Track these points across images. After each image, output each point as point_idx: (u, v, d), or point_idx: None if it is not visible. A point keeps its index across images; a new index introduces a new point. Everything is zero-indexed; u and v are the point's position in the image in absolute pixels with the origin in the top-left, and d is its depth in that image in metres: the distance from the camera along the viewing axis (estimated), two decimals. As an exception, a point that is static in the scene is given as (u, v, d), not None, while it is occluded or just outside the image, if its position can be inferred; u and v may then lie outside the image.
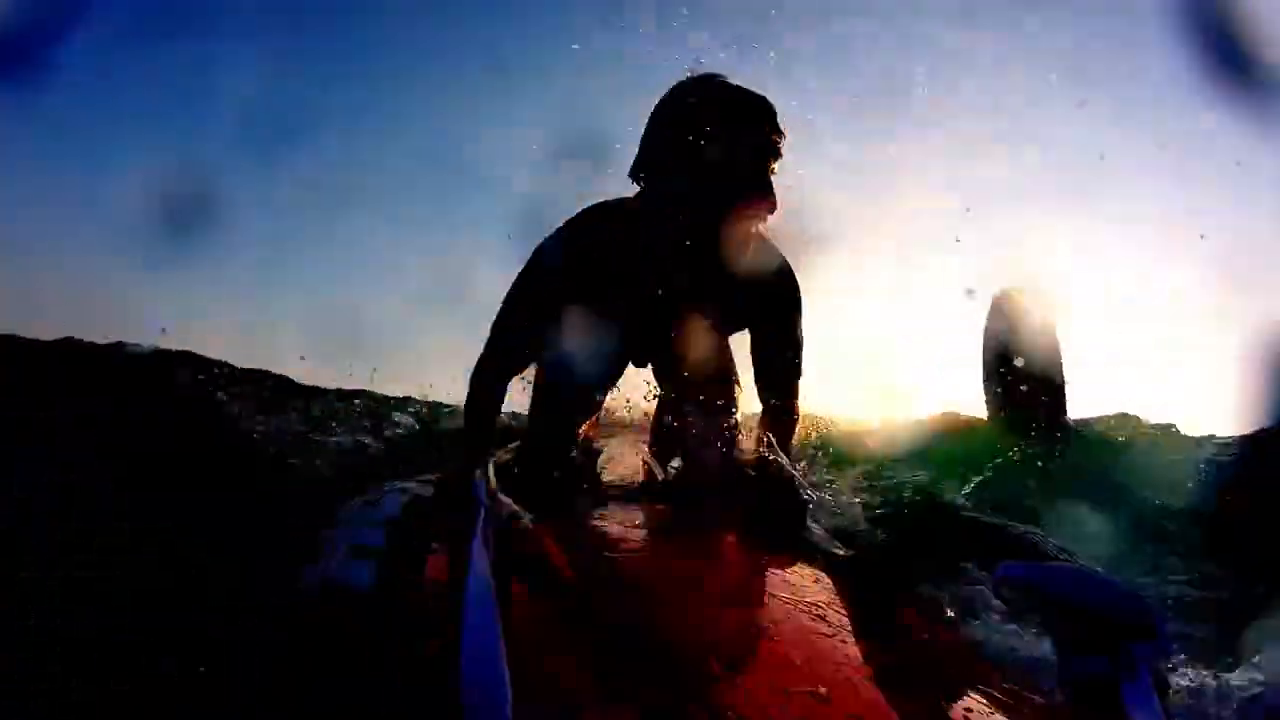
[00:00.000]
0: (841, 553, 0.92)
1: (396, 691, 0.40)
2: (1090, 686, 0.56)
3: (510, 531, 0.63)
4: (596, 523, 1.07)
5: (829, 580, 0.82)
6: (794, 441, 1.36)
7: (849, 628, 0.69)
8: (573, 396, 1.43)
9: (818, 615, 0.71)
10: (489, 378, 1.27)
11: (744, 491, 1.08)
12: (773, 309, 1.30)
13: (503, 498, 0.60)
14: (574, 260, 1.23)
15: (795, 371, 1.34)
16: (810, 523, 1.06)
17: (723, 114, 1.13)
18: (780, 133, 1.15)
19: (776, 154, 1.14)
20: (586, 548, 0.93)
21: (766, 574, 0.87)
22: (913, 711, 0.59)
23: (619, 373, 1.49)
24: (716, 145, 1.12)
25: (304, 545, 0.49)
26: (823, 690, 0.57)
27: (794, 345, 1.32)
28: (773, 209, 1.16)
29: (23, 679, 0.89)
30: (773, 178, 1.14)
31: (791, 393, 1.35)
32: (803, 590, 0.80)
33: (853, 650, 0.65)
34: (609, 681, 0.57)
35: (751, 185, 1.13)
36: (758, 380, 1.35)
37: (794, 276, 1.31)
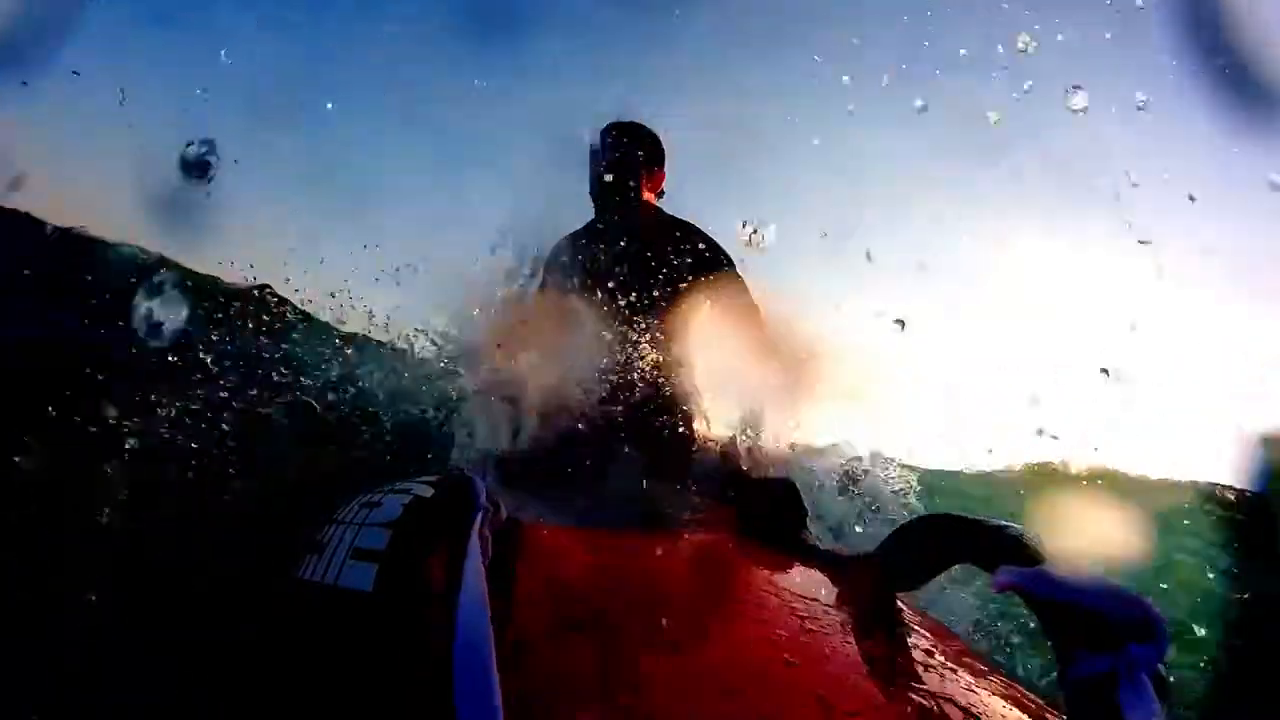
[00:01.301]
0: (841, 553, 0.92)
1: (396, 695, 0.40)
2: (1090, 686, 0.55)
3: (511, 533, 0.63)
4: (597, 520, 1.07)
5: (829, 580, 0.82)
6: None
7: (849, 627, 0.69)
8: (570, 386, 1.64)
9: (818, 615, 0.71)
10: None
11: (744, 493, 1.08)
12: (701, 256, 1.73)
13: (502, 499, 0.60)
14: (569, 248, 1.79)
15: (752, 310, 1.71)
16: (809, 523, 1.07)
17: (601, 142, 1.75)
18: (639, 141, 1.74)
19: (632, 154, 1.73)
20: (586, 548, 0.93)
21: (766, 574, 0.87)
22: (912, 711, 0.59)
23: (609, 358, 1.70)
24: (598, 160, 1.74)
25: (302, 543, 0.48)
26: (823, 690, 0.57)
27: (737, 289, 1.70)
28: (650, 187, 1.76)
29: (12, 679, 0.88)
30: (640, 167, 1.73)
31: (757, 324, 1.71)
32: (803, 590, 0.80)
33: (853, 650, 0.65)
34: (608, 683, 0.57)
35: (622, 173, 1.71)
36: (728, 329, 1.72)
37: (707, 235, 1.75)
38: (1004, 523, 0.71)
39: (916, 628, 0.75)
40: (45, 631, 0.98)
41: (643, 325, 1.66)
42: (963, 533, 0.73)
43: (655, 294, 1.72)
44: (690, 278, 1.71)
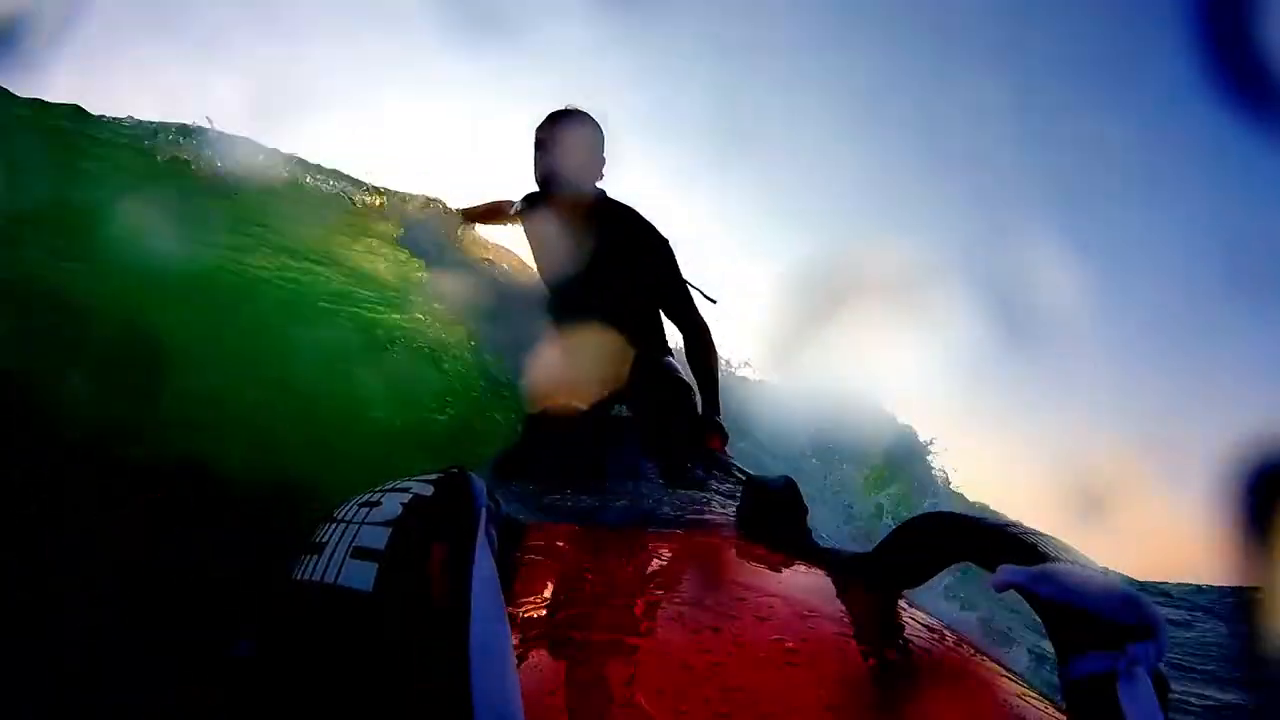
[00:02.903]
0: (842, 551, 0.92)
1: (398, 695, 0.40)
2: (1090, 686, 0.55)
3: (513, 533, 0.63)
4: (598, 520, 1.07)
5: (829, 580, 0.82)
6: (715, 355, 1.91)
7: (850, 627, 0.69)
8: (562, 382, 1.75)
9: (818, 614, 0.71)
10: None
11: (744, 491, 1.08)
12: (640, 244, 1.84)
13: (501, 498, 0.60)
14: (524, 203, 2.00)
15: (683, 292, 1.86)
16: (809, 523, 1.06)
17: (543, 131, 1.80)
18: (580, 130, 1.79)
19: (573, 143, 1.77)
20: (585, 547, 0.93)
21: (766, 573, 0.87)
22: (914, 711, 0.59)
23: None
24: (542, 149, 1.79)
25: (301, 542, 0.48)
26: (824, 690, 0.57)
27: (668, 269, 1.84)
28: (592, 174, 1.83)
29: (12, 679, 0.88)
30: (574, 154, 1.77)
31: (692, 311, 1.87)
32: (803, 589, 0.80)
33: (854, 650, 0.65)
34: (607, 683, 0.57)
35: (565, 162, 1.76)
36: (667, 313, 1.92)
37: (648, 222, 1.84)
38: (1005, 521, 0.71)
39: (918, 627, 0.75)
40: (45, 631, 0.98)
41: (598, 310, 1.79)
42: (963, 531, 0.73)
43: (600, 279, 1.84)
44: (630, 263, 1.84)
